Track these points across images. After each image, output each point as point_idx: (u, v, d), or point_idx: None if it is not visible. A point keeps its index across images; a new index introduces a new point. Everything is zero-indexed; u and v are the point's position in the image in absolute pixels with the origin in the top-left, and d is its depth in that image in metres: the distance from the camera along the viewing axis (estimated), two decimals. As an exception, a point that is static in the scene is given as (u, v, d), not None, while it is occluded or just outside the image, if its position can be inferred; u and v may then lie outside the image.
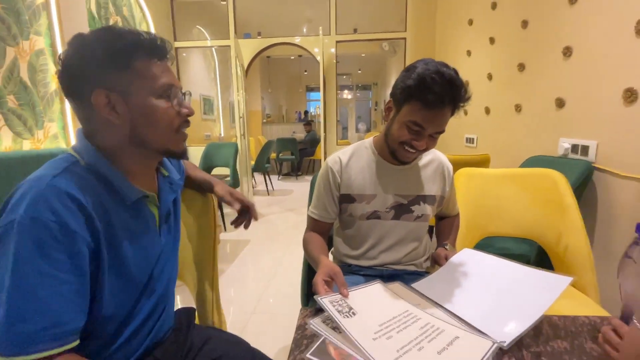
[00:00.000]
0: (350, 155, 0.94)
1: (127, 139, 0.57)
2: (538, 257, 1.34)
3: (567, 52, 1.58)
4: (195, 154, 3.58)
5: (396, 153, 0.85)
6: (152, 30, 3.39)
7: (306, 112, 7.17)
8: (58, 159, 0.55)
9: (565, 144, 1.58)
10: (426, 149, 0.82)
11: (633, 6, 1.23)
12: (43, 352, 0.45)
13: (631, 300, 0.50)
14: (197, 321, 0.86)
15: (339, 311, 0.61)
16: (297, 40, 4.33)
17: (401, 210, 0.92)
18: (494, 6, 2.35)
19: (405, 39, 4.03)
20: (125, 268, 0.57)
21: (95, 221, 0.52)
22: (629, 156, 1.26)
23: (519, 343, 0.57)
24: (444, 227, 1.05)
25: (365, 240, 0.94)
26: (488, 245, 1.50)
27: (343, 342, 0.57)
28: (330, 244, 1.08)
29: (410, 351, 0.54)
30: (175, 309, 0.77)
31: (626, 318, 0.51)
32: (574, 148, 1.53)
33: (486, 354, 0.53)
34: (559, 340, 0.59)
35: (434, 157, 0.96)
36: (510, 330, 0.58)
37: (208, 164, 3.44)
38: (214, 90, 5.40)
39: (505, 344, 0.55)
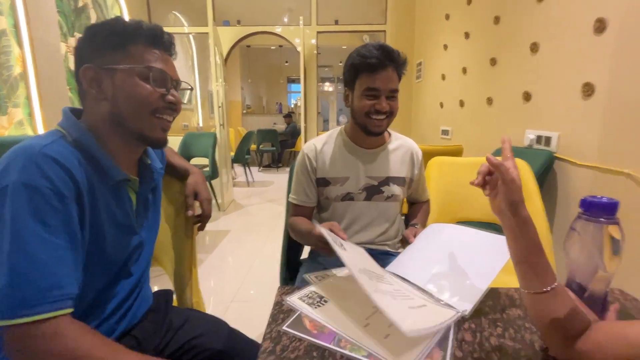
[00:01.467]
0: (324, 142, 1.01)
1: (109, 117, 0.58)
2: (503, 240, 1.43)
3: (534, 47, 1.67)
4: (173, 143, 3.48)
5: (367, 126, 0.92)
6: (125, 13, 3.26)
7: (289, 114, 7.16)
8: (45, 133, 0.56)
9: (530, 135, 1.68)
10: (391, 113, 0.90)
11: (592, 5, 1.31)
12: (44, 314, 0.46)
13: (574, 267, 0.56)
14: (175, 304, 0.88)
15: (309, 304, 0.64)
16: (277, 29, 4.29)
17: (372, 191, 0.98)
18: (469, 2, 2.42)
19: (385, 31, 4.08)
20: (103, 247, 0.58)
21: (84, 194, 0.53)
22: (585, 146, 1.36)
23: (478, 311, 0.63)
24: (414, 211, 1.12)
25: (340, 220, 0.99)
26: (459, 230, 1.58)
27: (318, 315, 0.60)
28: None
29: (387, 327, 0.57)
30: (152, 292, 0.78)
31: (570, 282, 0.57)
32: (539, 139, 1.63)
33: (450, 318, 0.58)
34: (513, 309, 0.65)
35: (403, 143, 1.04)
36: (470, 297, 0.63)
37: (186, 154, 3.38)
38: (192, 79, 5.26)
39: (467, 312, 0.60)
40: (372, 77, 0.88)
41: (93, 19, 2.78)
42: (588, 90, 1.33)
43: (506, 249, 0.68)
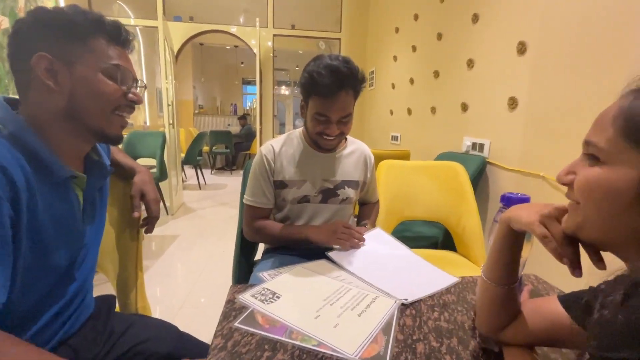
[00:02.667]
0: (282, 144, 1.01)
1: (62, 111, 0.55)
2: (444, 237, 1.56)
3: (470, 63, 1.85)
4: (115, 143, 3.24)
5: (318, 143, 0.96)
6: (62, 1, 2.97)
7: (244, 116, 7.03)
8: None
9: (467, 142, 1.86)
10: (342, 134, 0.92)
11: (516, 29, 1.51)
12: None
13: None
14: (118, 309, 0.83)
15: (262, 300, 0.65)
16: (233, 29, 4.21)
17: (328, 194, 1.01)
18: (416, 17, 2.61)
19: (340, 39, 4.21)
20: (44, 251, 0.53)
21: (20, 195, 0.48)
22: (511, 153, 1.54)
23: (419, 299, 0.69)
24: (365, 211, 1.18)
25: (295, 221, 1.02)
26: (406, 229, 1.69)
27: (270, 310, 0.62)
28: None
29: (336, 317, 0.61)
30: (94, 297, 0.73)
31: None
32: (474, 145, 1.81)
33: (392, 307, 0.64)
34: (449, 295, 0.72)
35: (357, 147, 1.09)
36: (409, 295, 0.69)
37: (131, 154, 3.13)
38: (139, 75, 4.93)
39: (407, 301, 0.66)
40: (324, 103, 0.85)
41: (21, 1, 2.50)
42: (513, 103, 1.51)
43: (444, 281, 0.76)
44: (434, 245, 1.61)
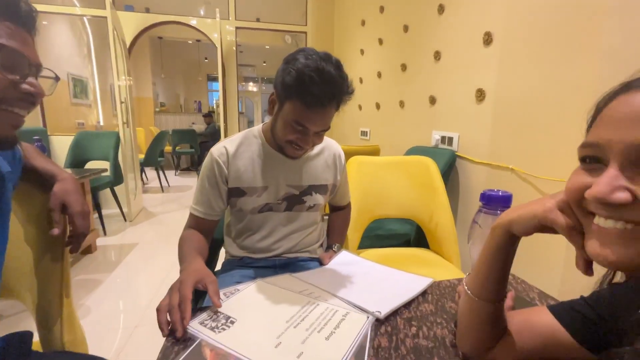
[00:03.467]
0: (239, 145, 0.86)
1: None
2: (417, 234, 1.52)
3: (437, 55, 1.82)
4: (63, 144, 2.94)
5: (284, 150, 0.82)
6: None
7: (209, 113, 6.73)
8: None
9: (436, 135, 1.83)
10: (313, 146, 0.82)
11: (482, 20, 1.48)
12: None
13: (477, 257, 0.58)
14: (39, 347, 0.68)
15: (212, 328, 0.54)
16: (193, 22, 3.96)
17: (293, 201, 0.89)
18: (382, 10, 2.56)
19: (306, 33, 4.10)
20: None
21: None
22: (480, 145, 1.53)
23: (394, 312, 0.61)
24: (334, 224, 1.06)
25: (256, 232, 0.90)
26: (378, 227, 1.63)
27: (220, 341, 0.51)
28: (216, 246, 1.01)
29: (300, 343, 0.52)
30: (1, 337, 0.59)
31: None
32: (443, 139, 1.79)
33: (364, 325, 0.55)
34: (426, 304, 0.65)
35: (325, 146, 0.95)
36: (382, 306, 0.61)
37: (81, 157, 2.86)
38: (88, 70, 4.54)
39: (381, 314, 0.58)
40: (305, 113, 0.72)
41: None
42: (480, 95, 1.49)
43: (420, 284, 0.68)
44: (407, 243, 1.57)
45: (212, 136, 6.34)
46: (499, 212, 0.54)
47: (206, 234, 0.86)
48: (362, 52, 3.05)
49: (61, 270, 0.71)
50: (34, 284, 0.70)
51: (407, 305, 0.64)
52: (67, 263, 0.72)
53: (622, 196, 0.28)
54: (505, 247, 0.41)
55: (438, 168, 1.39)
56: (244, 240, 0.91)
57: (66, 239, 0.70)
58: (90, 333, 0.81)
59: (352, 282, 0.74)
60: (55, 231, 0.65)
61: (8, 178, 0.58)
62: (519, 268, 0.83)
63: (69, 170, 1.01)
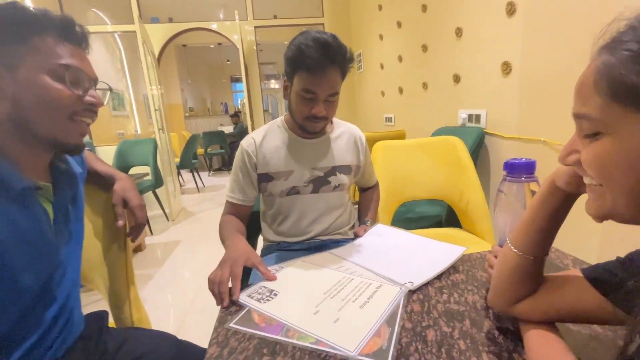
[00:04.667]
0: (264, 135, 0.95)
1: (8, 117, 0.50)
2: (448, 214, 1.52)
3: (459, 32, 1.78)
4: (107, 153, 3.19)
5: (304, 126, 0.88)
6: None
7: (236, 114, 6.97)
8: None
9: (462, 114, 1.80)
10: (327, 116, 0.86)
11: (503, -11, 1.43)
12: None
13: (504, 227, 0.60)
14: (113, 324, 0.79)
15: (258, 299, 0.61)
16: (213, 26, 4.10)
17: (319, 182, 0.95)
18: (398, -8, 2.52)
19: (323, 24, 4.10)
20: (9, 274, 0.49)
21: None
22: (508, 120, 1.49)
23: (426, 282, 0.64)
24: (365, 202, 1.12)
25: (288, 216, 0.96)
26: (408, 211, 1.65)
27: (266, 309, 0.58)
28: (254, 232, 1.08)
29: (337, 311, 0.57)
30: (84, 315, 0.69)
31: (501, 243, 0.60)
32: (470, 117, 1.75)
33: (397, 295, 0.59)
34: (457, 274, 0.68)
35: (345, 129, 1.01)
36: (415, 278, 0.65)
37: (124, 164, 3.10)
38: (123, 83, 4.84)
39: (412, 285, 0.62)
40: (311, 78, 0.79)
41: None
42: (507, 68, 1.45)
43: (453, 253, 0.69)
44: (439, 224, 1.57)
45: (240, 135, 6.54)
46: (522, 179, 0.55)
47: (241, 219, 0.94)
48: (380, 37, 3.01)
49: (125, 258, 0.81)
50: (105, 272, 0.80)
51: (439, 275, 0.67)
52: (130, 252, 0.83)
53: (571, 159, 0.35)
54: (551, 200, 0.43)
55: (466, 146, 1.38)
56: (279, 225, 0.98)
57: (127, 230, 0.80)
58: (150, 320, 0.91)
59: (386, 255, 0.78)
60: (120, 222, 0.75)
61: (80, 178, 0.67)
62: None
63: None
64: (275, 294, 0.63)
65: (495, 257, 0.58)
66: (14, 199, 0.50)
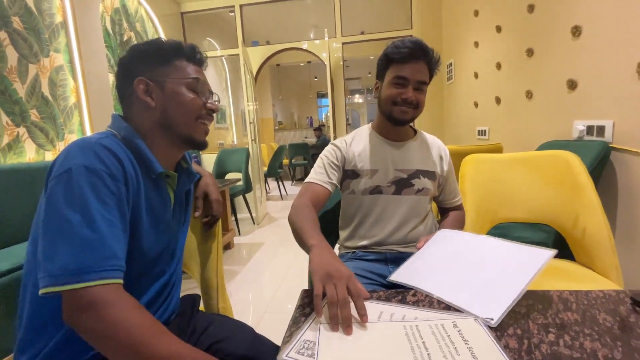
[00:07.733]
0: (353, 137, 1.03)
1: (158, 122, 0.65)
2: (555, 243, 1.28)
3: (576, 31, 1.53)
4: (209, 161, 3.66)
5: (392, 114, 0.91)
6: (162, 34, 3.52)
7: (319, 127, 7.31)
8: (97, 133, 0.62)
9: (579, 126, 1.52)
10: (416, 103, 0.89)
11: (642, -23, 1.18)
12: (104, 280, 0.48)
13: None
14: (202, 309, 0.87)
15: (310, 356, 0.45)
16: (304, 45, 4.39)
17: (402, 184, 0.95)
18: (499, -6, 2.31)
19: (411, 36, 4.01)
20: (137, 237, 0.60)
21: (129, 181, 0.57)
22: (647, 132, 1.20)
23: (523, 315, 0.55)
24: (446, 220, 1.01)
25: (367, 215, 0.96)
26: (503, 234, 1.45)
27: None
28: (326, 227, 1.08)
29: None
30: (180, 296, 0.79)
31: None
32: (589, 129, 1.47)
33: (481, 332, 0.50)
34: (568, 313, 0.56)
35: (429, 139, 1.04)
36: (493, 309, 0.53)
37: (221, 170, 3.51)
38: (226, 100, 5.53)
39: (493, 322, 0.51)
40: (402, 66, 0.88)
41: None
42: (645, 69, 1.18)
43: (539, 259, 0.58)
44: (542, 253, 1.33)
45: (323, 148, 6.77)
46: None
47: (315, 203, 0.86)
48: (476, 44, 2.80)
49: (217, 251, 0.90)
50: (199, 261, 0.91)
51: (543, 309, 0.56)
52: (221, 248, 0.92)
53: None
54: None
55: (583, 163, 1.15)
56: (357, 227, 0.97)
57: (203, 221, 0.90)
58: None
59: (450, 274, 0.65)
60: (197, 213, 0.84)
61: (194, 178, 0.79)
62: None
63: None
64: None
65: None
66: (153, 180, 0.64)
